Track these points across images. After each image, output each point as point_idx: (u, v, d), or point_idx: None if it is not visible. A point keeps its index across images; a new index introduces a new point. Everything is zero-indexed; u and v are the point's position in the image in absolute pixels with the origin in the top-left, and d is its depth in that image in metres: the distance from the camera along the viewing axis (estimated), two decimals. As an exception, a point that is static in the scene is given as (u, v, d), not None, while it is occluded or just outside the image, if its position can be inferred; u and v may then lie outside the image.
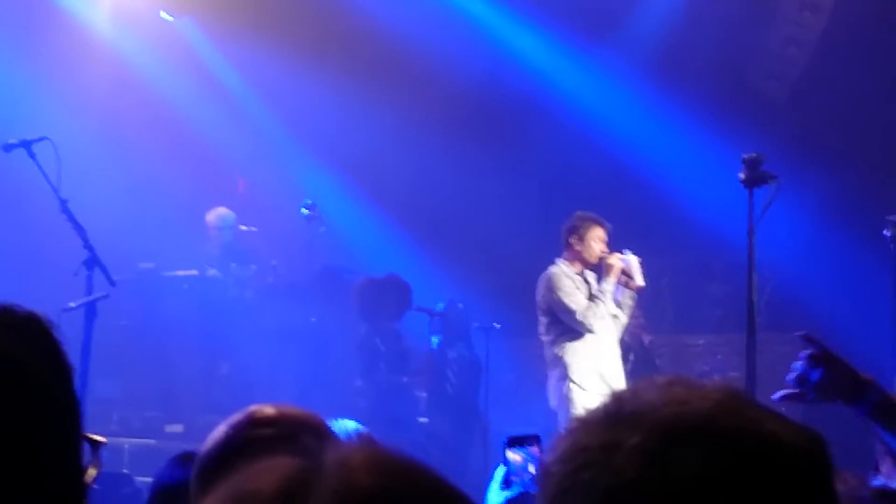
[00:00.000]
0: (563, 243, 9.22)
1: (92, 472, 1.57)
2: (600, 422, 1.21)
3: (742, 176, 6.94)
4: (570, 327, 9.02)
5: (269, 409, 2.16)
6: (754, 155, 6.94)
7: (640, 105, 13.44)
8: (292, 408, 2.20)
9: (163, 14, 14.22)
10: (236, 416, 2.16)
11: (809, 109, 13.13)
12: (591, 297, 9.02)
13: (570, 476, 1.19)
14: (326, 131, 13.85)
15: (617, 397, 1.24)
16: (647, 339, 12.03)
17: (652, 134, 13.26)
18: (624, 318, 9.32)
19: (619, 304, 9.24)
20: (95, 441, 1.60)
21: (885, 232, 9.06)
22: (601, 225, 9.16)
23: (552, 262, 9.40)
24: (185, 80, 13.84)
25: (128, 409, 12.21)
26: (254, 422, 2.13)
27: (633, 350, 11.73)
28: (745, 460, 1.16)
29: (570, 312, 8.93)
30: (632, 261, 9.13)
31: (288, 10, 13.81)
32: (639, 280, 9.16)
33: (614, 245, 9.33)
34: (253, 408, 2.17)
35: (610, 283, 9.03)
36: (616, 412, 1.21)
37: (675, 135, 13.06)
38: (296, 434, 2.12)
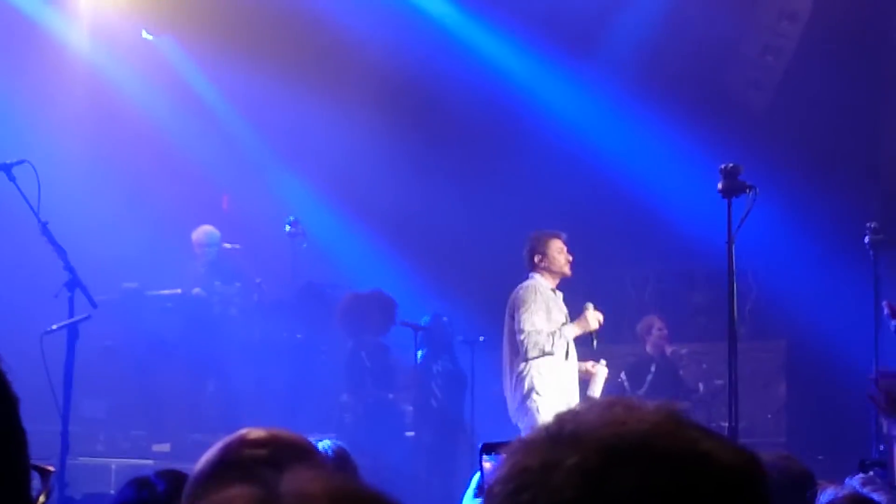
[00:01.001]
0: (529, 265, 9.37)
1: (41, 501, 1.58)
2: (541, 442, 1.23)
3: (720, 186, 6.99)
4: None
5: (260, 432, 2.19)
6: (731, 165, 7.00)
7: (621, 115, 13.47)
8: (283, 431, 2.24)
9: (144, 33, 14.22)
10: (228, 438, 2.19)
11: (788, 117, 13.17)
12: (554, 331, 9.12)
13: (511, 496, 1.21)
14: (309, 147, 13.85)
15: (558, 418, 1.25)
16: (669, 349, 12.09)
17: (632, 144, 13.29)
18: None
19: None
20: (44, 469, 1.60)
21: (864, 238, 9.13)
22: (557, 236, 9.37)
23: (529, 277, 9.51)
24: (167, 99, 13.84)
25: (114, 429, 12.19)
26: (246, 443, 2.16)
27: (655, 361, 11.79)
28: (680, 479, 1.18)
29: (520, 330, 9.05)
30: (599, 371, 9.44)
31: (267, 27, 13.81)
32: (595, 391, 9.44)
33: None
34: (245, 430, 2.20)
35: (575, 332, 9.16)
36: (557, 433, 1.23)
37: (656, 144, 13.10)
38: (287, 456, 2.14)
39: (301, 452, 2.19)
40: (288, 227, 11.70)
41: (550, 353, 9.09)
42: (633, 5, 13.77)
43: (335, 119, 13.51)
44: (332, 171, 13.69)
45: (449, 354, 11.47)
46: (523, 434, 1.26)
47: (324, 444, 3.13)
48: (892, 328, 5.43)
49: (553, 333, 9.11)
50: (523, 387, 9.13)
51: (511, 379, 9.29)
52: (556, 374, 9.12)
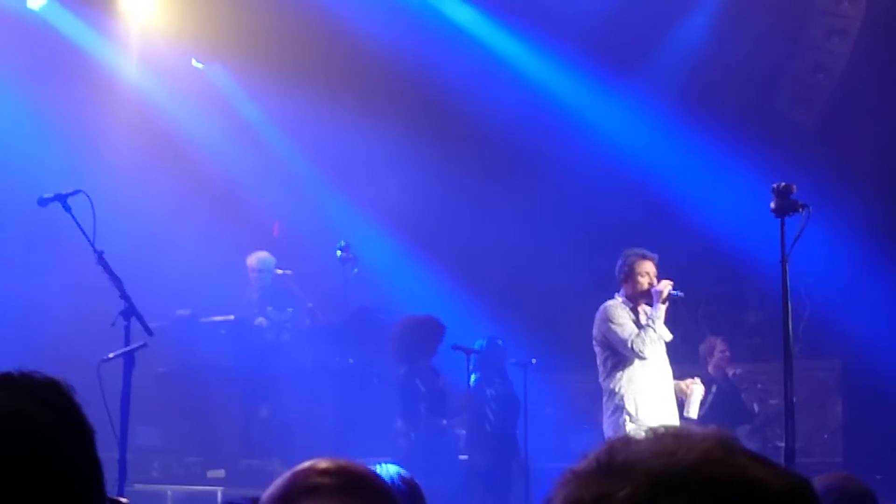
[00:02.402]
0: (618, 282, 9.36)
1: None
2: (592, 473, 1.24)
3: (773, 205, 6.95)
4: (624, 359, 9.09)
5: (329, 462, 2.24)
6: (783, 184, 6.95)
7: (670, 136, 13.45)
8: (352, 462, 2.27)
9: (193, 62, 14.36)
10: (299, 466, 2.24)
11: (839, 135, 13.11)
12: (640, 325, 9.09)
13: None
14: (359, 172, 13.91)
15: (609, 447, 1.26)
16: (731, 371, 12.02)
17: (682, 164, 13.26)
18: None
19: None
20: (118, 502, 1.64)
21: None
22: (647, 258, 9.31)
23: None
24: (218, 126, 13.95)
25: (169, 455, 12.25)
26: (315, 471, 2.21)
27: (717, 382, 11.73)
28: None
29: (623, 341, 9.01)
30: (695, 391, 9.35)
31: (316, 53, 13.90)
32: (692, 412, 9.35)
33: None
34: (315, 459, 2.26)
35: (660, 309, 9.11)
36: (607, 463, 1.24)
37: (706, 164, 13.06)
38: (354, 486, 2.18)
39: (368, 483, 2.22)
40: (339, 253, 11.75)
41: (659, 339, 9.08)
42: (680, 23, 13.76)
43: (383, 143, 13.55)
44: (383, 196, 13.74)
45: (501, 378, 11.45)
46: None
47: (390, 471, 3.14)
48: None
49: (643, 329, 9.09)
50: (613, 403, 9.12)
51: (604, 393, 9.28)
52: (649, 387, 9.09)
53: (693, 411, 9.40)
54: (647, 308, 9.22)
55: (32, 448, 1.51)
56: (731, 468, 1.21)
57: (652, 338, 9.04)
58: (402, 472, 3.26)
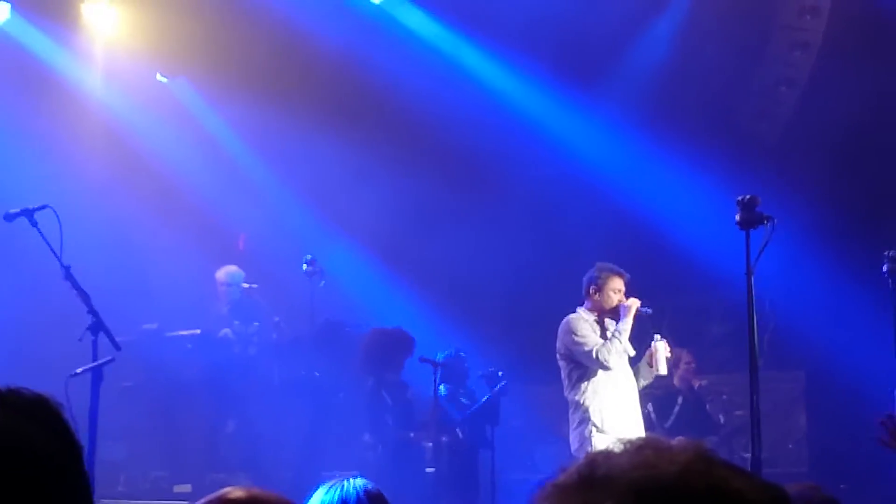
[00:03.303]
0: (584, 294, 9.38)
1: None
2: (574, 486, 1.26)
3: (738, 218, 7.00)
4: (589, 371, 9.12)
5: (240, 492, 2.22)
6: (749, 196, 7.01)
7: (634, 149, 13.50)
8: (266, 493, 2.26)
9: (158, 76, 14.32)
10: (213, 494, 2.22)
11: (801, 147, 13.19)
12: (606, 336, 9.13)
13: None
14: (323, 185, 13.90)
15: (590, 460, 1.28)
16: (696, 383, 12.07)
17: (646, 177, 13.32)
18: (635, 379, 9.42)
19: (635, 374, 9.36)
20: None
21: (882, 267, 9.12)
22: (619, 275, 9.35)
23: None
24: (182, 140, 13.92)
25: (135, 470, 12.20)
26: (224, 502, 2.19)
27: (682, 394, 11.79)
28: None
29: (586, 352, 9.05)
30: (659, 348, 9.34)
31: (282, 67, 13.90)
32: (661, 368, 9.34)
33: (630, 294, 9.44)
34: (226, 489, 2.24)
35: (627, 323, 9.16)
36: (589, 476, 1.26)
37: (669, 178, 13.12)
38: None
39: None
40: (305, 266, 11.73)
41: (625, 352, 9.11)
42: (643, 36, 13.83)
43: (349, 156, 13.56)
44: (349, 208, 13.75)
45: (466, 389, 11.47)
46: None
47: (356, 484, 3.16)
48: None
49: (608, 340, 9.12)
50: (578, 415, 9.15)
51: (570, 406, 9.30)
52: (614, 399, 9.12)
53: (662, 368, 9.35)
54: (613, 323, 9.27)
55: (22, 465, 1.52)
56: (711, 480, 1.23)
57: (617, 349, 9.09)
58: (369, 485, 3.28)
